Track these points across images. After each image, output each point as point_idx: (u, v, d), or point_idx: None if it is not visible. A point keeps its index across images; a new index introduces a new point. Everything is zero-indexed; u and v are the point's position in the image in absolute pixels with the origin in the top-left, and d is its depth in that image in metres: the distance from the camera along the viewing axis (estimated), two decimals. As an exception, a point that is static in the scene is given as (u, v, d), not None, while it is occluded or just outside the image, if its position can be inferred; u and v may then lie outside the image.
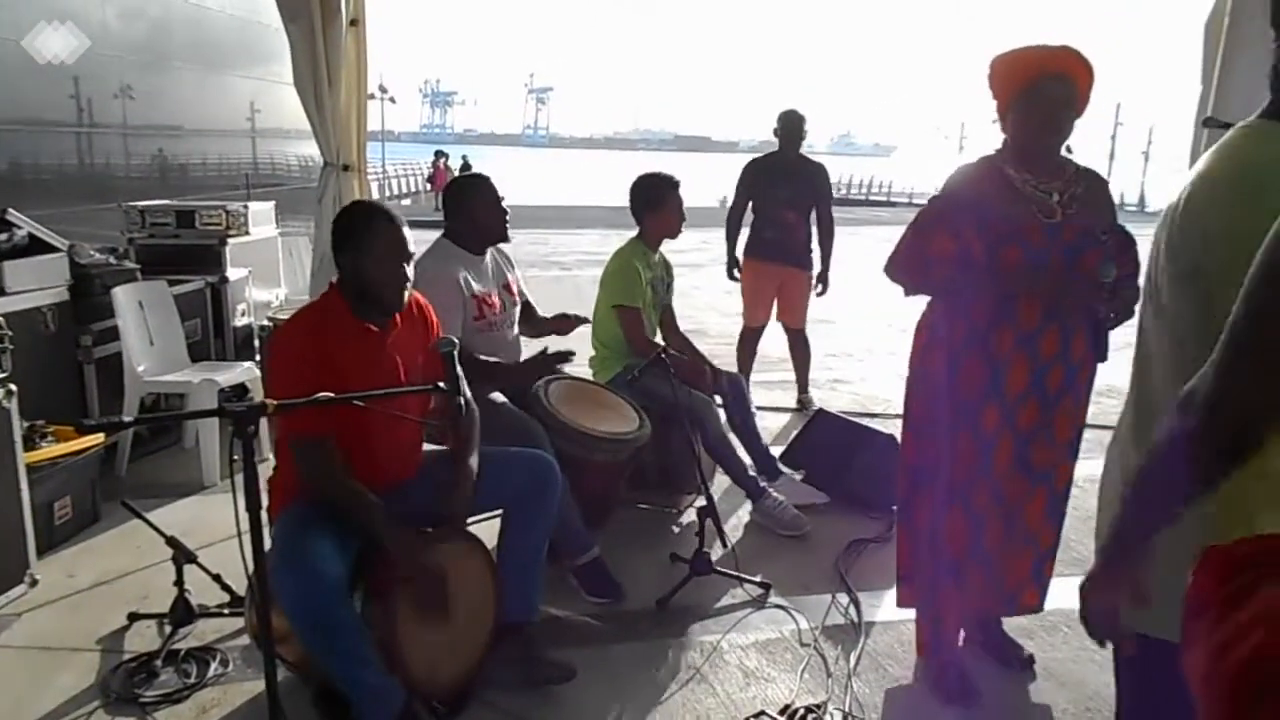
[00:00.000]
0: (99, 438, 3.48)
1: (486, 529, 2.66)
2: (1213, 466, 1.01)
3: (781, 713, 2.45)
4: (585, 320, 3.55)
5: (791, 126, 5.08)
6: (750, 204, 5.21)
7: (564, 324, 3.46)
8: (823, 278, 5.20)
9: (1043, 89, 2.29)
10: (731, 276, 5.39)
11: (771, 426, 4.91)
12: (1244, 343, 1.00)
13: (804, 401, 5.40)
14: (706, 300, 5.94)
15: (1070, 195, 2.36)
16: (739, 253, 5.32)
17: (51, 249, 4.06)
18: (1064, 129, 2.34)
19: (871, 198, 38.65)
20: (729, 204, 5.40)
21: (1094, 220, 2.36)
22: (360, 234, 2.36)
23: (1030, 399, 2.40)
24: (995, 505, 2.46)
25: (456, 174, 25.15)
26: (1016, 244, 2.31)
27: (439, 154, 26.49)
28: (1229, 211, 1.17)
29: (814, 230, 5.20)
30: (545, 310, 3.59)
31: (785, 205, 5.09)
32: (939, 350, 2.47)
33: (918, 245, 2.44)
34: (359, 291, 2.37)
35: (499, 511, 2.68)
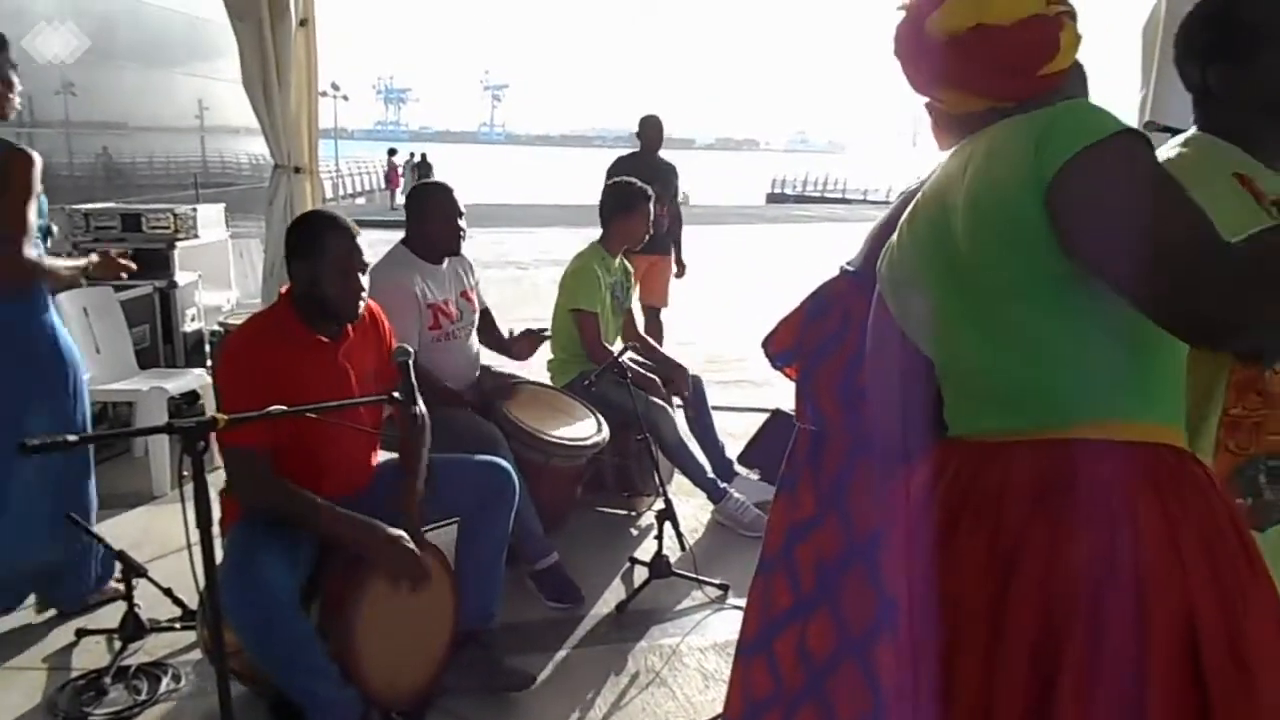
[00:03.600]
0: (43, 449, 3.39)
1: (445, 535, 2.65)
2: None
3: (740, 714, 2.47)
4: (545, 336, 3.57)
5: (654, 131, 5.74)
6: None
7: (526, 347, 3.50)
8: (679, 260, 5.86)
9: None
10: None
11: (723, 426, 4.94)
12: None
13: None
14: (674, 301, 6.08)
15: None
16: None
17: (-9, 254, 3.94)
18: None
19: (827, 195, 39.06)
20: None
21: None
22: (315, 245, 2.33)
23: None
24: None
25: (410, 170, 24.83)
26: None
27: (392, 152, 26.25)
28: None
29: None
30: (502, 310, 3.58)
31: (654, 201, 5.30)
32: None
33: (839, 362, 1.66)
34: (313, 302, 2.35)
35: (456, 519, 2.67)
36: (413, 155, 27.32)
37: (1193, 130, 1.46)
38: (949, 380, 1.27)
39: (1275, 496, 1.37)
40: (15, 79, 2.71)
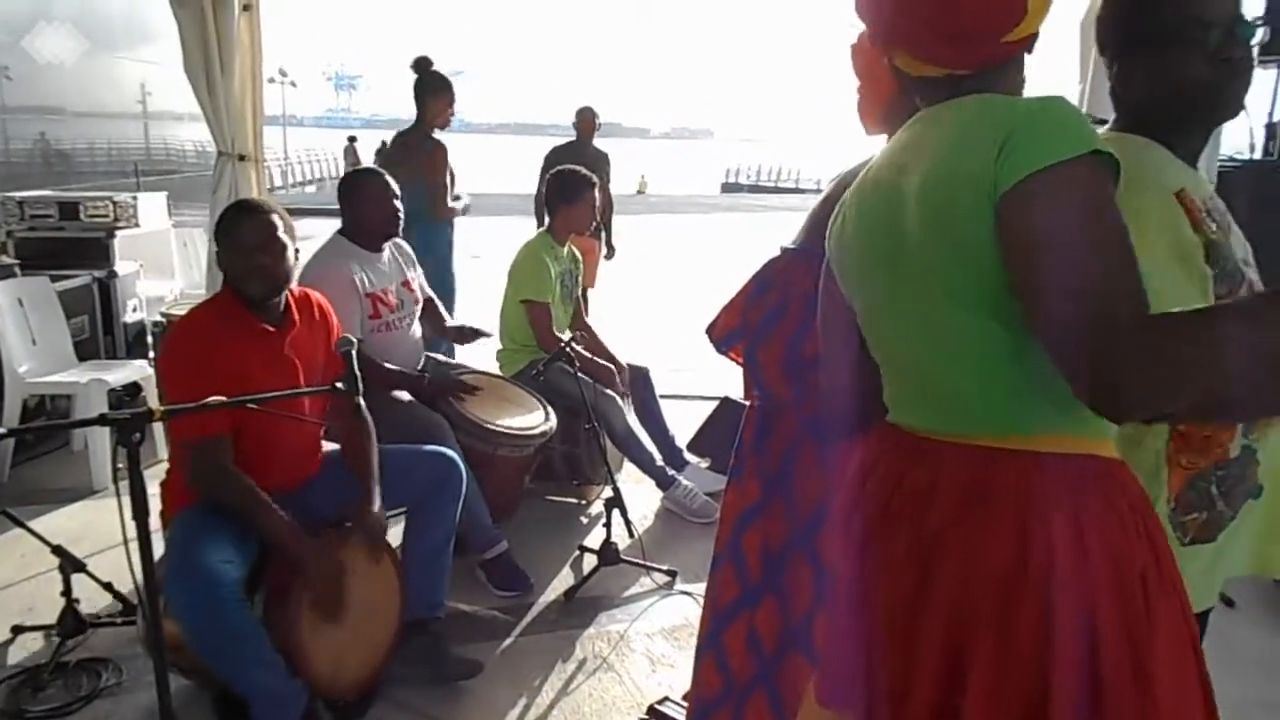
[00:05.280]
0: (-24, 443, 3.31)
1: (392, 525, 2.64)
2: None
3: (685, 698, 2.50)
4: (486, 334, 3.56)
5: (587, 121, 6.05)
6: None
7: (462, 338, 3.51)
8: (608, 244, 6.09)
9: None
10: None
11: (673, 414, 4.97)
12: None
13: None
14: (612, 289, 6.06)
15: None
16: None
17: (-80, 244, 3.83)
18: None
19: (780, 185, 39.33)
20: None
21: None
22: (223, 230, 2.35)
23: None
24: None
25: (378, 156, 24.45)
26: None
27: (352, 139, 25.95)
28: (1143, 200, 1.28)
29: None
30: (458, 298, 3.58)
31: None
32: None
33: (782, 336, 1.72)
34: (237, 282, 2.34)
35: (403, 509, 2.67)
36: (385, 143, 26.97)
37: (1106, 128, 1.46)
38: (888, 369, 1.25)
39: (1226, 505, 1.38)
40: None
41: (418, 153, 4.58)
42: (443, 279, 4.38)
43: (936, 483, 1.11)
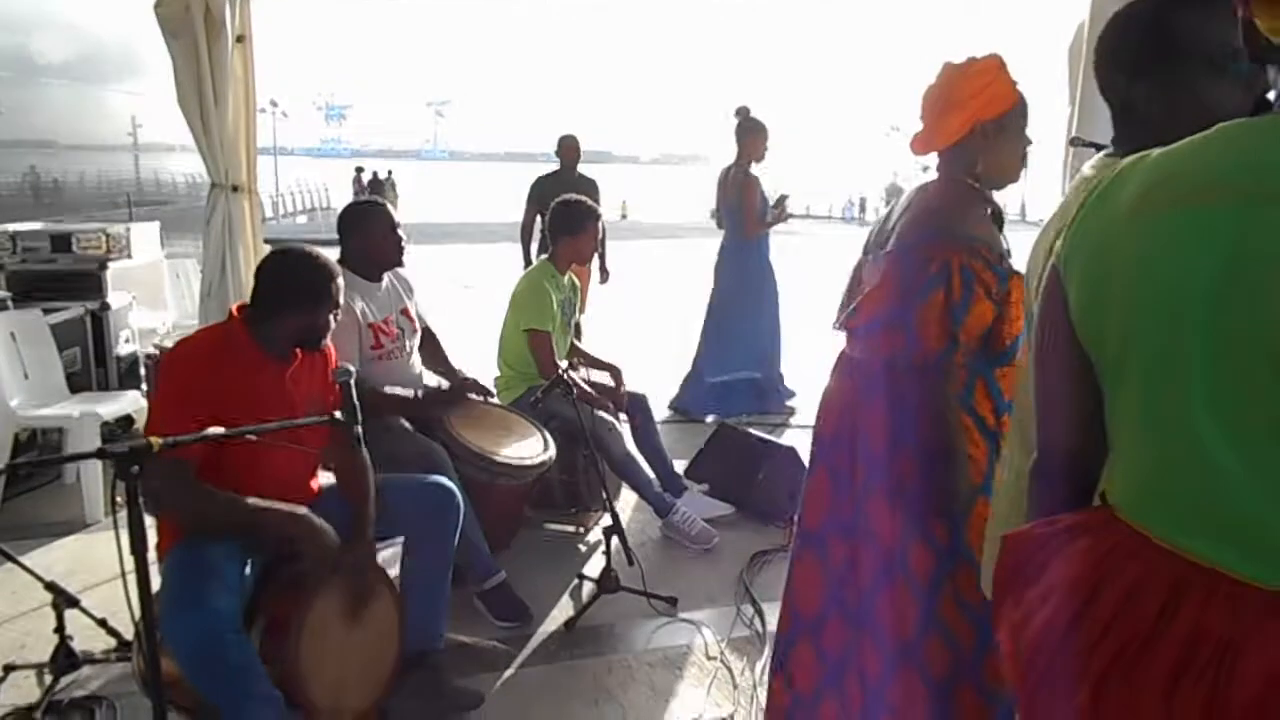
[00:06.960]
0: (-32, 478, 3.28)
1: (390, 556, 2.62)
2: (1058, 503, 1.09)
3: (691, 727, 2.48)
4: (487, 393, 3.47)
5: (570, 150, 6.16)
6: (539, 216, 5.82)
7: (463, 388, 3.40)
8: (603, 269, 6.22)
9: (1026, 107, 1.91)
10: None
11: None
12: (1035, 386, 1.12)
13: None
14: (604, 315, 6.07)
15: None
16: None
17: (-88, 277, 3.81)
18: None
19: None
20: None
21: None
22: (322, 291, 2.37)
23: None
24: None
25: (370, 187, 24.79)
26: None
27: (359, 170, 26.25)
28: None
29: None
30: (451, 329, 3.56)
31: None
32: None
33: (945, 309, 1.76)
34: (292, 335, 2.35)
35: (401, 539, 2.64)
36: (390, 173, 27.35)
37: (1105, 153, 1.37)
38: (1158, 478, 0.93)
39: None
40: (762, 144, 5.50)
41: (735, 183, 5.48)
42: (761, 291, 5.54)
43: (1246, 644, 0.85)
